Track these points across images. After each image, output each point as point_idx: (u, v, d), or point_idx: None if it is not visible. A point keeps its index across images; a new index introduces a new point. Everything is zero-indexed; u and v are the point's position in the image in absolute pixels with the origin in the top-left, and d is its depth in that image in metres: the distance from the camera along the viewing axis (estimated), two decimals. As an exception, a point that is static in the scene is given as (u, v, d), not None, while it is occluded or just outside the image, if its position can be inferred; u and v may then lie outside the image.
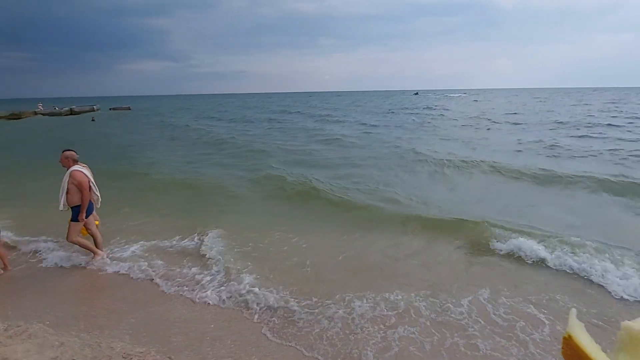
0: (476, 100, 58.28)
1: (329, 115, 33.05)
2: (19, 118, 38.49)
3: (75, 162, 4.80)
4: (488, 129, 20.51)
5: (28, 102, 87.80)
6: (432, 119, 28.09)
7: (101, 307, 3.93)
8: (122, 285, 4.44)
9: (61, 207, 4.69)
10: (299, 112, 40.54)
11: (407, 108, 42.16)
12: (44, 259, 5.12)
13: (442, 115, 31.04)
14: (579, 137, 16.45)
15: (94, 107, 50.47)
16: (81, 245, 4.94)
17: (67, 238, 4.81)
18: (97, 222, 5.16)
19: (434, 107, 41.78)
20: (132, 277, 4.61)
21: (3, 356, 2.96)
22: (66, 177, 4.66)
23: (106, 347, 3.19)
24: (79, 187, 4.62)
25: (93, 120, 34.49)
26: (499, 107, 40.56)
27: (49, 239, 5.69)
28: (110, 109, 53.88)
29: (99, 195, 4.99)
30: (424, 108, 41.14)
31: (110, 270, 4.78)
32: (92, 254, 5.02)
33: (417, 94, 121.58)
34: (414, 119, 27.82)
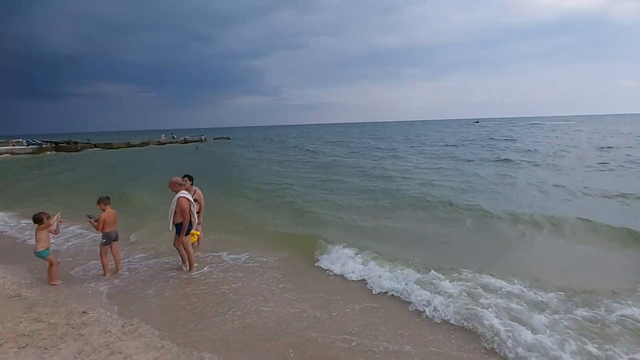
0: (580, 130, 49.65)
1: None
2: (147, 145, 47.22)
3: (181, 186, 5.62)
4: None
5: (154, 132, 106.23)
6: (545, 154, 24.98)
7: (200, 316, 4.31)
8: (227, 296, 4.83)
9: (170, 227, 5.51)
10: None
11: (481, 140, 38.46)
12: (146, 267, 5.94)
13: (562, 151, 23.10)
14: None
15: (202, 137, 58.45)
16: (189, 256, 5.64)
17: (185, 248, 5.61)
18: (197, 233, 6.01)
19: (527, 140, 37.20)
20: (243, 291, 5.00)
21: (119, 350, 3.44)
22: (174, 202, 5.46)
23: (197, 357, 3.45)
24: (182, 212, 5.41)
25: (197, 149, 39.82)
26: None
27: (160, 248, 6.60)
28: (214, 138, 61.77)
29: (197, 218, 5.91)
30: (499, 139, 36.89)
31: (227, 280, 5.29)
32: (185, 266, 5.73)
33: (477, 122, 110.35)
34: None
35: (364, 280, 5.23)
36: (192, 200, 5.64)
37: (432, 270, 5.19)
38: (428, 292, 4.62)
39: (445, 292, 4.59)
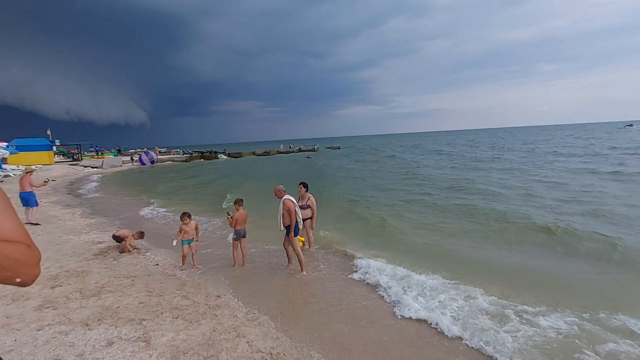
0: None
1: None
2: (269, 154, 53.18)
3: (284, 192, 6.17)
4: None
5: (275, 142, 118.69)
6: None
7: (312, 314, 4.58)
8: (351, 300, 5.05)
9: (281, 227, 6.04)
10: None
11: None
12: (265, 264, 6.58)
13: None
14: None
15: (315, 146, 62.44)
16: (299, 257, 6.06)
17: (293, 249, 6.08)
18: (302, 239, 6.39)
19: None
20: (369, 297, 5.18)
21: (243, 334, 3.91)
22: (280, 205, 6.02)
23: (307, 354, 3.65)
24: (288, 212, 5.90)
25: (308, 157, 42.56)
26: None
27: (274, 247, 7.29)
28: (326, 147, 65.29)
29: (302, 218, 6.33)
30: None
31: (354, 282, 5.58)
32: (291, 264, 6.19)
33: (631, 125, 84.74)
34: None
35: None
36: (297, 204, 6.12)
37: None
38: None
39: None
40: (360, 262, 6.27)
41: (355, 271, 5.98)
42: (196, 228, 6.53)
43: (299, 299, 5.15)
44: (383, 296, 5.07)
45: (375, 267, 5.92)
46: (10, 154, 29.12)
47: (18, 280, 0.99)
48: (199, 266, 6.39)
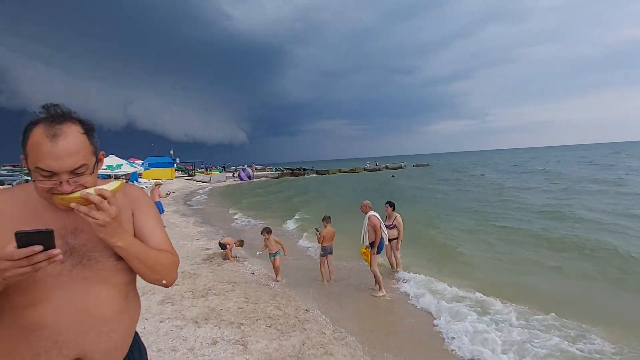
0: None
1: None
2: (355, 172, 53.67)
3: (370, 208, 6.08)
4: None
5: (362, 160, 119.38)
6: None
7: (397, 341, 4.38)
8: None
9: (365, 243, 5.93)
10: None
11: None
12: (350, 282, 6.52)
13: None
14: None
15: (402, 164, 60.80)
16: (376, 277, 5.90)
17: (370, 267, 5.95)
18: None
19: None
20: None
21: (330, 352, 3.93)
22: (365, 221, 5.93)
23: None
24: (374, 228, 5.79)
25: (393, 176, 41.38)
26: None
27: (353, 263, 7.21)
28: (413, 165, 62.94)
29: (387, 234, 6.13)
30: None
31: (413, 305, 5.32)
32: (379, 288, 5.90)
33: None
34: None
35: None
36: (382, 221, 6.02)
37: None
38: None
39: None
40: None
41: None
42: (279, 242, 6.75)
43: (385, 323, 4.97)
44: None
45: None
46: (144, 170, 35.66)
47: (164, 282, 1.20)
48: (281, 279, 6.64)
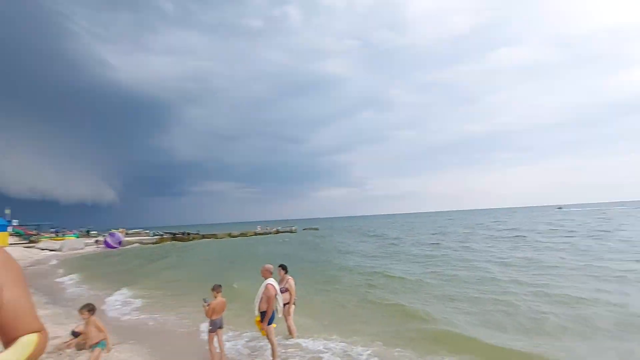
0: None
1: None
2: (246, 235, 51.81)
3: (271, 273, 5.95)
4: None
5: (252, 224, 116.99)
6: None
7: None
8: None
9: (256, 312, 5.68)
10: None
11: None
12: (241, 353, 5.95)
13: None
14: None
15: (293, 227, 61.99)
16: (272, 348, 5.63)
17: (267, 337, 5.65)
18: (274, 326, 5.88)
19: None
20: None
21: None
22: (262, 288, 5.73)
23: None
24: (268, 300, 5.60)
25: (284, 241, 41.83)
26: None
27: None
28: (303, 229, 64.88)
29: (282, 307, 5.93)
30: None
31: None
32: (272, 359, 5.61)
33: (560, 208, 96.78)
34: None
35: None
36: (279, 290, 5.86)
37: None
38: None
39: None
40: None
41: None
42: (101, 329, 5.01)
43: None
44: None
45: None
46: (-38, 235, 26.93)
47: None
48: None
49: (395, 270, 14.89)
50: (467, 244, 24.56)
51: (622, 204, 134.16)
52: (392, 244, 28.69)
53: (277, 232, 57.08)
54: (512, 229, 37.52)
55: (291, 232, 57.93)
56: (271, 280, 5.87)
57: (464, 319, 7.90)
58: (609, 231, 27.97)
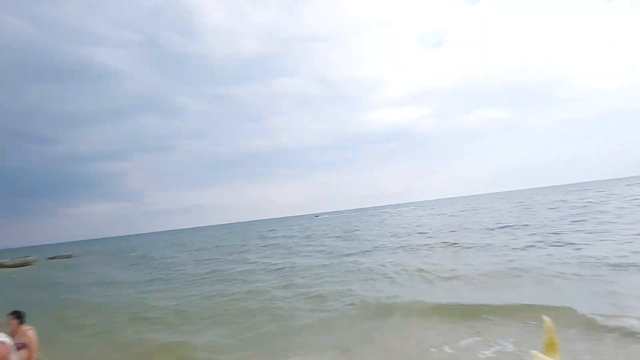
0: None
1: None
2: None
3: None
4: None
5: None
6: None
7: None
8: None
9: None
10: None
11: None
12: None
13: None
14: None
15: (28, 258, 47.06)
16: None
17: None
18: None
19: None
20: None
21: None
22: None
23: None
24: None
25: (13, 278, 32.12)
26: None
27: None
28: (48, 258, 50.56)
29: None
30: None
31: None
32: None
33: (317, 216, 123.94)
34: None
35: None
36: (13, 347, 4.53)
37: None
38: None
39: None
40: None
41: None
42: None
43: None
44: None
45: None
46: None
47: None
48: None
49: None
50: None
51: (364, 210, 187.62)
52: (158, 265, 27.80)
53: (2, 266, 41.88)
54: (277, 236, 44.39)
55: (25, 264, 43.99)
56: (1, 337, 4.44)
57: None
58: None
